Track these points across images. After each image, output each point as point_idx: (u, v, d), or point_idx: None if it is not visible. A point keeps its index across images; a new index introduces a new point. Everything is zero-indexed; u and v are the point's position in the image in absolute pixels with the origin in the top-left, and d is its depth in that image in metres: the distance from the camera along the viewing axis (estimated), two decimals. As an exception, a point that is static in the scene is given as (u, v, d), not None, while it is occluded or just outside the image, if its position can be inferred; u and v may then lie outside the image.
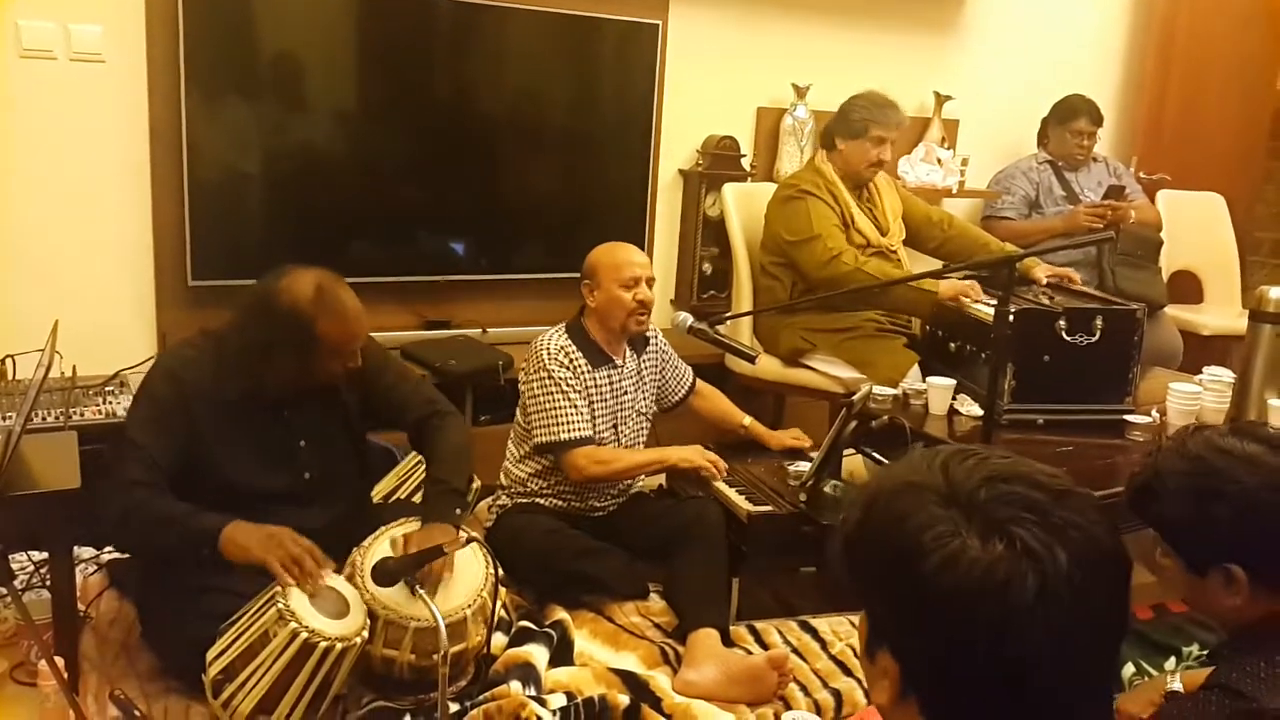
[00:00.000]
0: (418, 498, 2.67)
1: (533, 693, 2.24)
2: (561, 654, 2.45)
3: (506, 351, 3.41)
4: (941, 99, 4.39)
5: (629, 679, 2.35)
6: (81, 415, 2.59)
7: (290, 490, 2.35)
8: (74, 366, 2.73)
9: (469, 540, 2.21)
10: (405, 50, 3.46)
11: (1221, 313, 4.51)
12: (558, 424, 2.68)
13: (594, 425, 2.74)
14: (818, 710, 2.32)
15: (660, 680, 2.36)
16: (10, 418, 2.47)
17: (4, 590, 2.29)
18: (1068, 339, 2.95)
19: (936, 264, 3.58)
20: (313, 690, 2.02)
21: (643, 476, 2.90)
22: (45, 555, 2.34)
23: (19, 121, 3.01)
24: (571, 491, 2.79)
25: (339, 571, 2.21)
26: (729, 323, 3.33)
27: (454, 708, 2.14)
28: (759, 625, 2.65)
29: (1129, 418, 2.94)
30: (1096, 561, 0.85)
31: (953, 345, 3.28)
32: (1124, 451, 2.83)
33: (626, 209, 3.87)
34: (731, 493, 2.72)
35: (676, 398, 3.06)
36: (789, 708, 2.32)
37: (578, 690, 2.27)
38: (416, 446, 2.59)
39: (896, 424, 2.87)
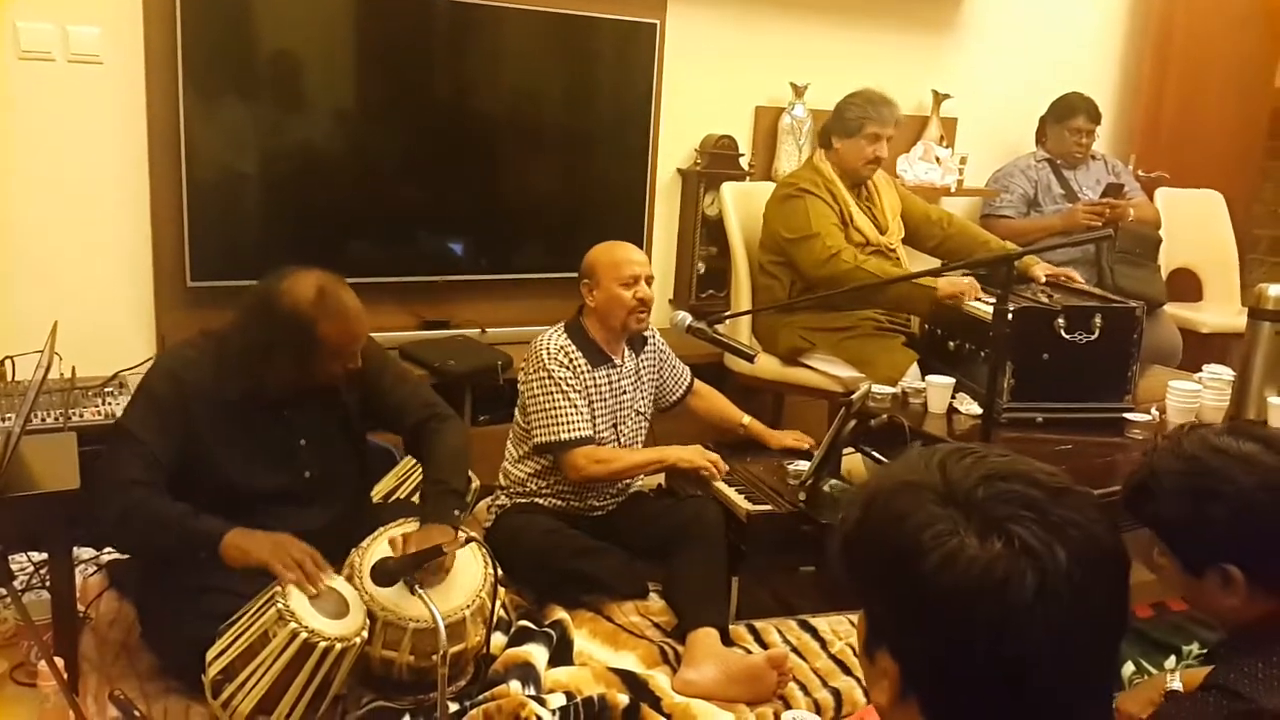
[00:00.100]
0: (417, 498, 2.67)
1: (532, 692, 2.24)
2: (561, 654, 2.45)
3: (505, 351, 3.41)
4: (940, 97, 4.40)
5: (628, 678, 2.35)
6: (81, 416, 2.59)
7: (290, 490, 2.34)
8: (73, 367, 2.73)
9: (468, 540, 2.21)
10: (403, 50, 3.46)
11: (1220, 310, 4.52)
12: (557, 424, 2.68)
13: (594, 425, 2.74)
14: (817, 709, 2.32)
15: (659, 680, 2.36)
16: (10, 419, 2.47)
17: (4, 591, 2.29)
18: (1067, 337, 2.95)
19: (935, 263, 3.59)
20: (312, 690, 2.03)
21: (642, 476, 2.90)
22: (45, 556, 2.34)
23: (17, 123, 3.01)
24: (570, 491, 2.79)
25: (338, 572, 2.21)
26: (728, 322, 3.33)
27: (453, 708, 2.14)
28: (758, 624, 2.65)
29: (1128, 416, 2.94)
30: (1096, 559, 0.85)
31: (952, 344, 3.28)
32: (1123, 450, 2.83)
33: (625, 208, 3.88)
34: (731, 492, 2.72)
35: (674, 398, 3.06)
36: (789, 707, 2.32)
37: (577, 690, 2.27)
38: (413, 449, 2.58)
39: (896, 423, 2.87)
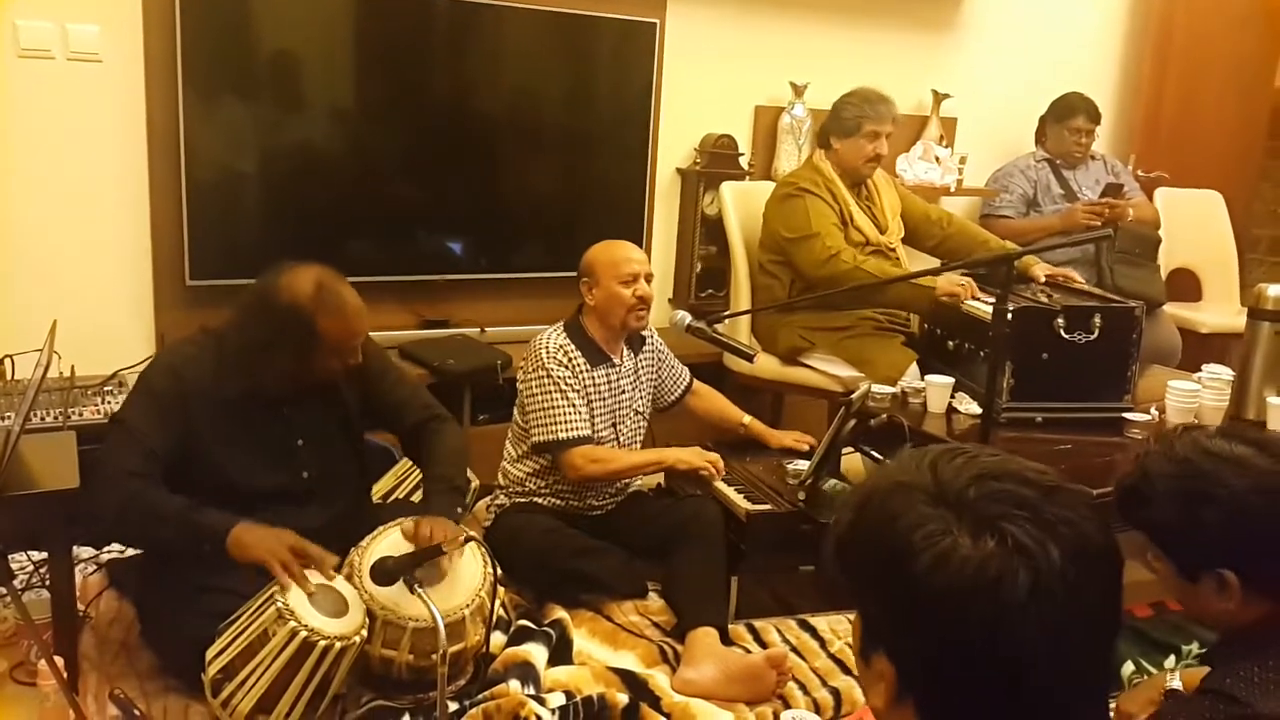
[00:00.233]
0: (416, 497, 2.67)
1: (531, 692, 2.24)
2: (560, 653, 2.45)
3: (505, 351, 3.41)
4: (939, 97, 4.40)
5: (628, 678, 2.35)
6: (80, 415, 2.59)
7: (289, 489, 2.34)
8: (72, 366, 2.73)
9: (467, 539, 2.21)
10: (403, 49, 3.46)
11: (1220, 310, 4.52)
12: (555, 423, 2.68)
13: (592, 424, 2.74)
14: (816, 709, 2.32)
15: (659, 679, 2.36)
16: (9, 418, 2.47)
17: (4, 590, 2.29)
18: (1066, 337, 2.95)
19: (935, 262, 3.59)
20: (312, 689, 2.02)
21: (640, 476, 2.90)
22: (44, 555, 2.34)
23: (17, 121, 3.01)
24: (570, 491, 2.79)
25: (338, 570, 2.20)
26: (727, 321, 3.33)
27: (453, 707, 2.14)
28: (758, 624, 2.66)
29: (1128, 416, 2.94)
30: (1089, 557, 0.85)
31: (951, 343, 3.28)
32: (1123, 449, 2.83)
33: (625, 208, 3.88)
34: (730, 491, 2.72)
35: (673, 398, 3.06)
36: (788, 706, 2.32)
37: (576, 689, 2.27)
38: (411, 449, 2.58)
39: (895, 422, 2.87)
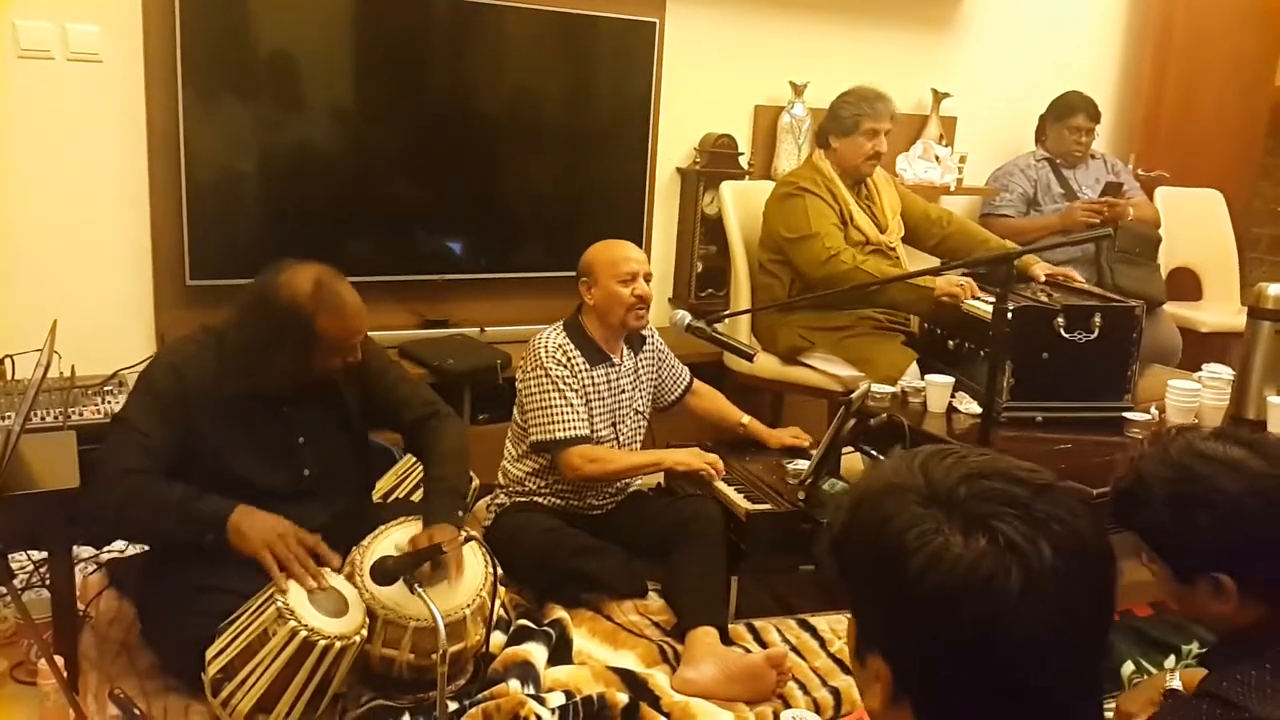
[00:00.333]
0: (417, 496, 2.67)
1: (531, 691, 2.24)
2: (560, 652, 2.45)
3: (505, 350, 3.41)
4: (939, 96, 4.39)
5: (628, 677, 2.35)
6: (80, 415, 2.59)
7: (290, 487, 2.34)
8: (72, 366, 2.73)
9: (468, 539, 2.21)
10: (402, 49, 3.46)
11: (1220, 309, 4.52)
12: (553, 422, 2.68)
13: (591, 424, 2.74)
14: (816, 708, 2.32)
15: (659, 678, 2.36)
16: (9, 417, 2.47)
17: (4, 589, 2.29)
18: (1066, 336, 2.95)
19: (935, 262, 3.59)
20: (312, 689, 2.03)
21: (639, 476, 2.90)
22: (44, 554, 2.34)
23: (16, 121, 3.01)
24: (569, 490, 2.79)
25: (339, 570, 2.21)
26: (727, 321, 3.32)
27: (453, 706, 2.14)
28: (757, 623, 2.66)
29: (1128, 415, 2.94)
30: (1080, 554, 0.85)
31: (951, 343, 3.28)
32: (1123, 449, 2.83)
33: (624, 207, 3.87)
34: (730, 491, 2.72)
35: (672, 397, 3.06)
36: (788, 706, 2.32)
37: (576, 689, 2.27)
38: (412, 446, 2.58)
39: (895, 422, 2.87)
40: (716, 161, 3.95)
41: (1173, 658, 2.53)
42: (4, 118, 2.99)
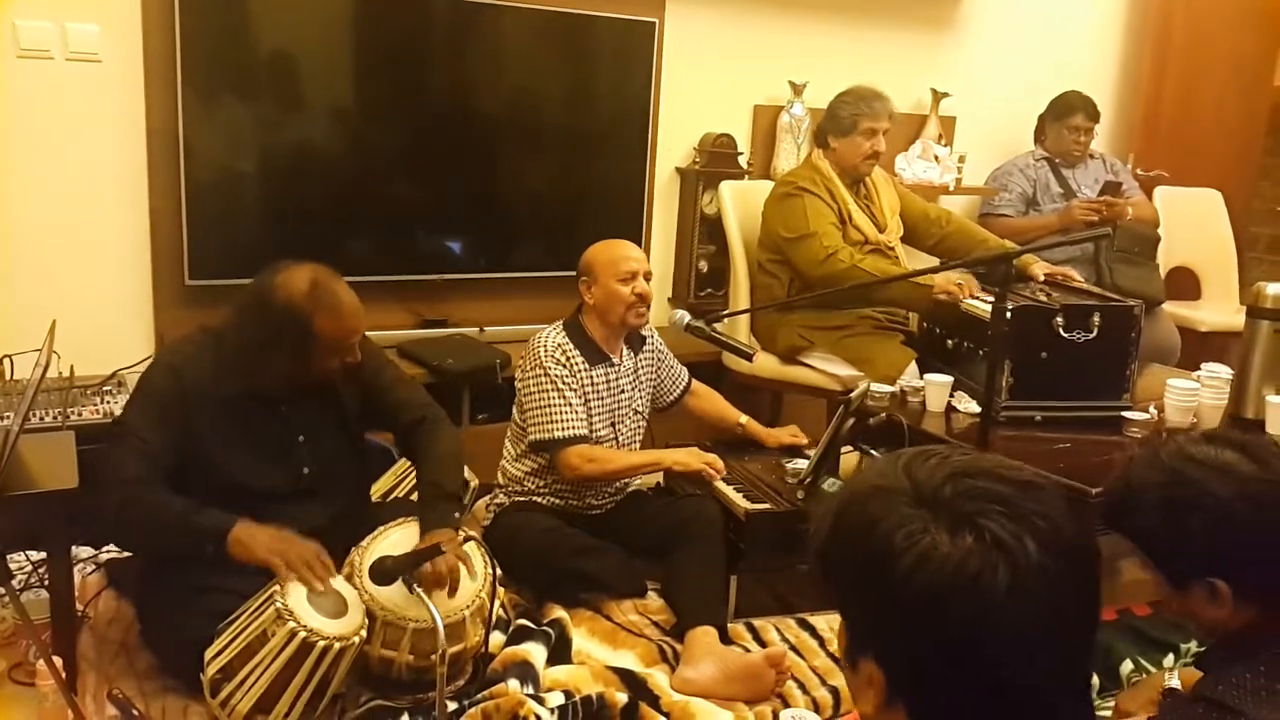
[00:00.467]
0: (415, 496, 2.67)
1: (531, 691, 2.24)
2: (559, 652, 2.45)
3: (504, 350, 3.41)
4: (938, 96, 4.40)
5: (627, 677, 2.35)
6: (79, 415, 2.58)
7: (288, 487, 2.34)
8: (71, 366, 2.73)
9: (467, 539, 2.21)
10: (402, 49, 3.46)
11: (1219, 309, 4.52)
12: (552, 422, 2.68)
13: (590, 424, 2.74)
14: (815, 708, 2.32)
15: (658, 678, 2.36)
16: (8, 417, 2.47)
17: (2, 590, 2.29)
18: (1065, 336, 2.95)
19: (934, 261, 3.59)
20: (311, 689, 2.03)
21: (638, 476, 2.90)
22: (43, 555, 2.34)
23: (16, 121, 3.01)
24: (569, 490, 2.79)
25: (338, 570, 2.20)
26: (726, 320, 3.32)
27: (452, 707, 2.14)
28: (757, 623, 2.66)
29: (1127, 414, 2.94)
30: (1066, 551, 0.85)
31: (950, 342, 3.28)
32: (1121, 448, 2.83)
33: (624, 207, 3.87)
34: (729, 490, 2.72)
35: (671, 398, 3.06)
36: (787, 705, 2.32)
37: (576, 688, 2.27)
38: (406, 449, 2.58)
39: (894, 421, 2.87)
40: (716, 161, 3.95)
41: (1171, 656, 2.53)
42: (4, 118, 2.99)
